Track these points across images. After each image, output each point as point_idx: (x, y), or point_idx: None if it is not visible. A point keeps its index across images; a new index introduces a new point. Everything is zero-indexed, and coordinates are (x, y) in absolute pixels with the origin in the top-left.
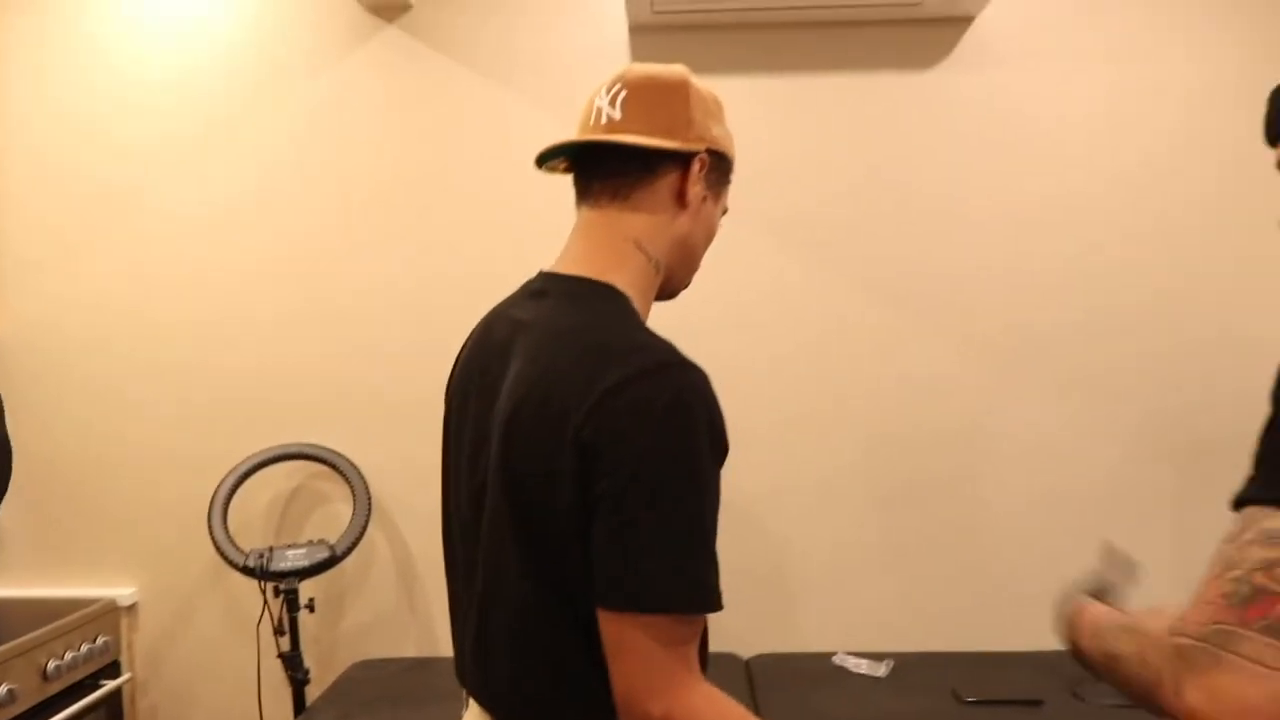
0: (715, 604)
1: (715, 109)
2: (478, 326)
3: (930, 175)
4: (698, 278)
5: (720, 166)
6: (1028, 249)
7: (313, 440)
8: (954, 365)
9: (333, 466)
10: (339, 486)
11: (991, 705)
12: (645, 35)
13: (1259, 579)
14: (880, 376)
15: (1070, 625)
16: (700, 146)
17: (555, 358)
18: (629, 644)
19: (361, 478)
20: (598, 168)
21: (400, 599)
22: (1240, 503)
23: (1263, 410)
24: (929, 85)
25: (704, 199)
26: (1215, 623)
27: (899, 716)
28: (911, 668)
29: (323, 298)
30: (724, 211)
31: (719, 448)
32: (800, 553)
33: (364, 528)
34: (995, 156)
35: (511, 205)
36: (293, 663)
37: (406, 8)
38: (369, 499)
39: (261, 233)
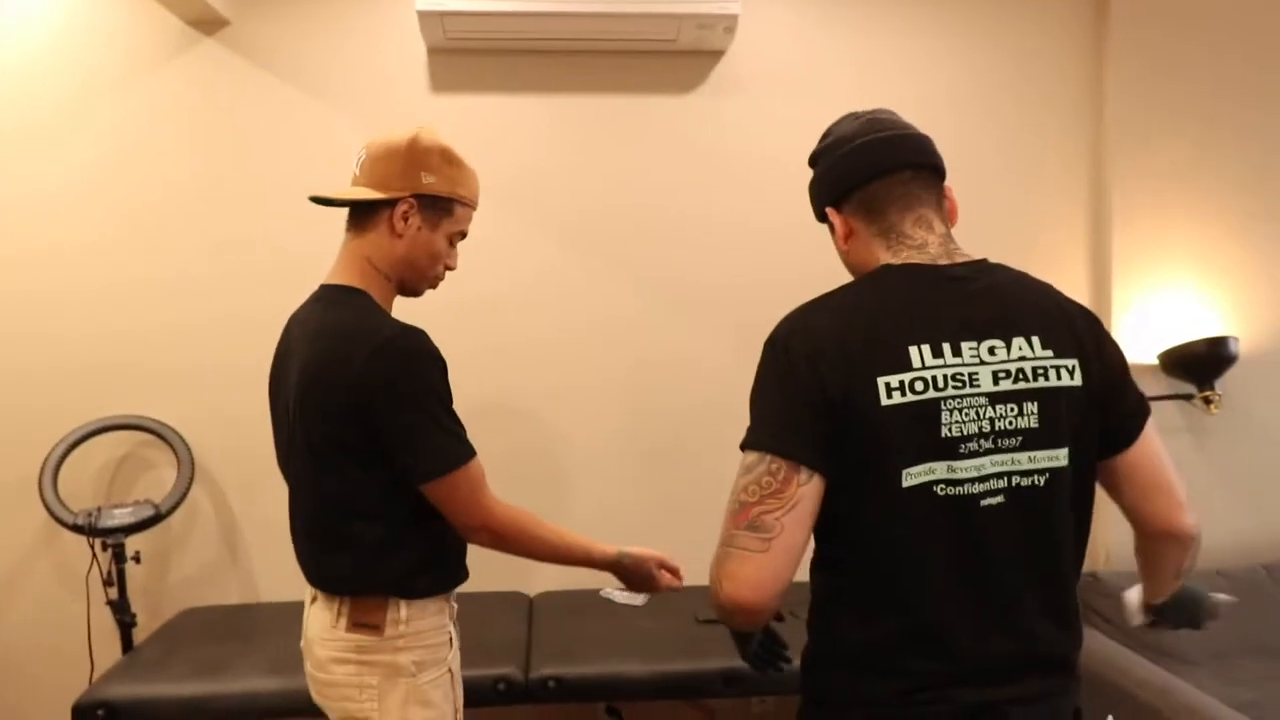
0: (470, 452)
1: (437, 161)
2: (285, 327)
3: (686, 187)
4: (486, 268)
5: (435, 205)
6: (765, 258)
7: (142, 410)
8: (704, 349)
9: (158, 435)
10: (166, 452)
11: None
12: (441, 57)
13: (743, 496)
14: (643, 357)
15: None
16: (404, 194)
17: (325, 340)
18: (445, 497)
19: (186, 445)
20: (350, 209)
21: (223, 552)
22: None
23: None
24: (685, 109)
25: (419, 228)
26: (726, 532)
27: (644, 634)
28: (665, 597)
29: (149, 278)
30: (459, 234)
31: (441, 368)
32: (574, 504)
33: (187, 489)
34: (741, 173)
35: (311, 207)
36: (120, 608)
37: (224, 23)
38: (192, 463)
39: (87, 218)
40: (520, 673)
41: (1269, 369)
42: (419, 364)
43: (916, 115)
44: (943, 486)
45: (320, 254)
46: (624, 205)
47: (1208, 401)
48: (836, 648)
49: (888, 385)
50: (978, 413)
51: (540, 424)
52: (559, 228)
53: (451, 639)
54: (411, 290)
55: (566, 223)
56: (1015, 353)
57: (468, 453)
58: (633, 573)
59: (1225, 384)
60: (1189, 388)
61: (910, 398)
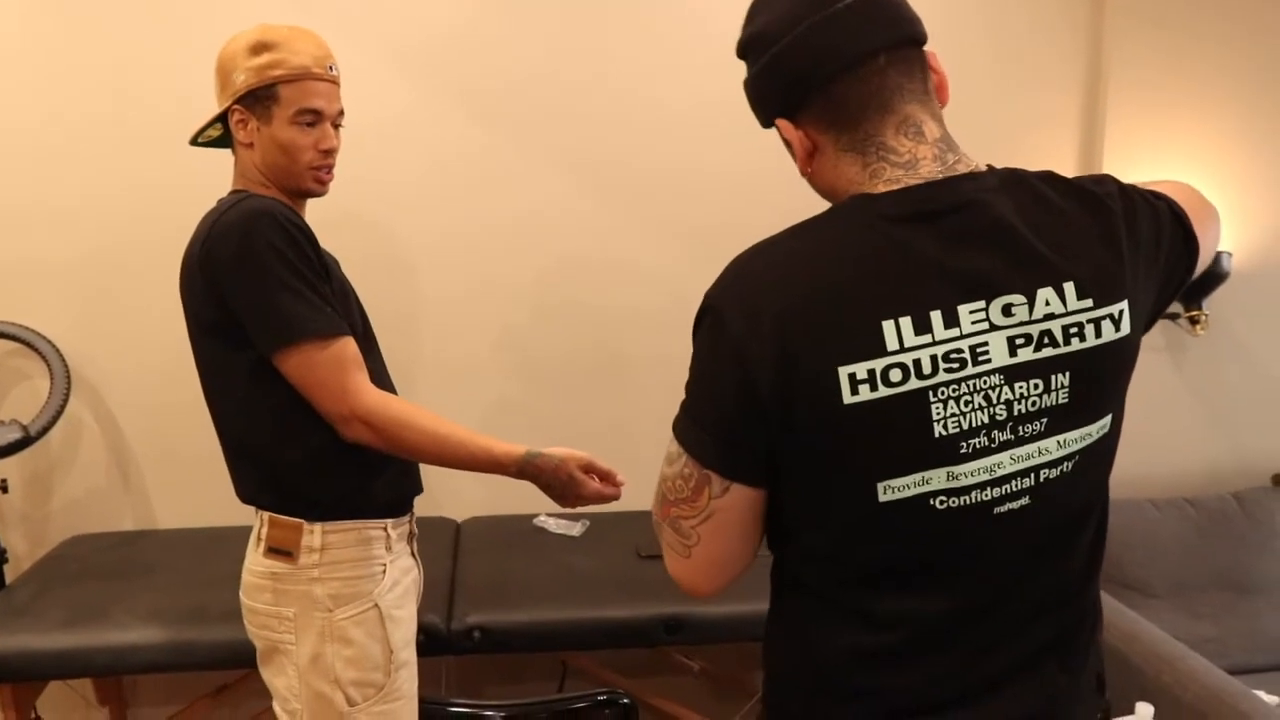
0: (333, 326)
1: (243, 57)
2: None
3: (634, 61)
4: (392, 150)
5: (257, 99)
6: (725, 149)
7: (6, 317)
8: (648, 250)
9: (26, 344)
10: (39, 365)
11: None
12: None
13: (664, 487)
14: (576, 255)
15: None
16: (227, 104)
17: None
18: (303, 377)
19: (59, 354)
20: None
21: (112, 474)
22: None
23: None
24: None
25: (258, 129)
26: (656, 518)
27: (580, 572)
28: (605, 527)
29: (5, 146)
30: (306, 112)
31: (292, 235)
32: (506, 420)
33: (61, 406)
34: (699, 46)
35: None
36: None
37: None
38: (67, 377)
39: None
40: (442, 621)
41: (1261, 288)
42: (260, 227)
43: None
44: (942, 499)
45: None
46: (560, 79)
47: (1194, 322)
48: (799, 667)
49: (852, 377)
50: (987, 397)
51: (457, 331)
52: (480, 103)
53: (384, 570)
54: (299, 189)
55: (488, 97)
56: (1040, 310)
57: (327, 325)
58: (550, 478)
59: (1213, 303)
60: (1175, 306)
61: (884, 391)
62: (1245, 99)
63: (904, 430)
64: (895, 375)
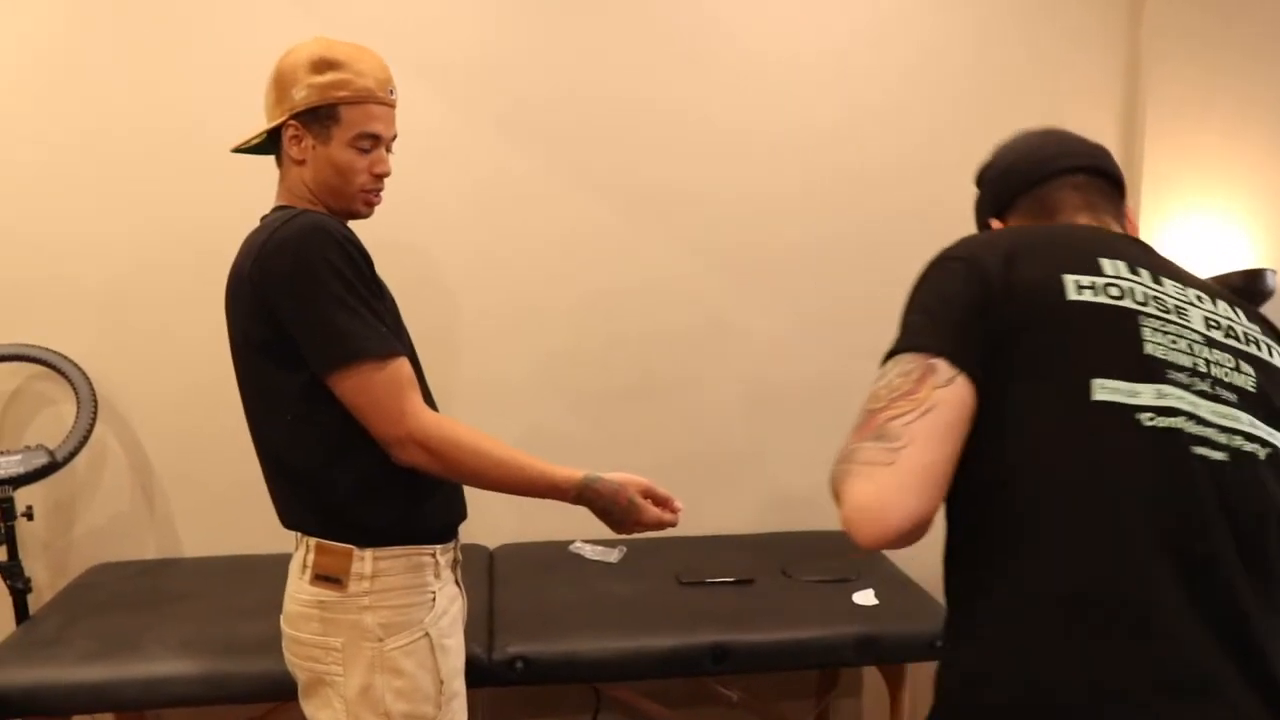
0: (387, 346)
1: (305, 72)
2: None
3: (666, 79)
4: (423, 170)
5: (317, 117)
6: (760, 166)
7: (33, 340)
8: (685, 273)
9: (53, 368)
10: (65, 389)
11: (708, 586)
12: None
13: (869, 405)
14: (616, 278)
15: None
16: (283, 117)
17: (243, 245)
18: (357, 398)
19: (86, 378)
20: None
21: (137, 500)
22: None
23: None
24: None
25: (313, 148)
26: (846, 448)
27: (619, 600)
28: (641, 553)
29: (38, 172)
30: (366, 136)
31: (346, 250)
32: (536, 445)
33: (88, 431)
34: (733, 64)
35: (240, 111)
36: (10, 572)
37: None
38: (94, 401)
39: None
40: (483, 651)
41: None
42: (317, 242)
43: (936, 14)
44: (1150, 415)
45: (251, 158)
46: (592, 98)
47: None
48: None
49: (1076, 282)
50: (1190, 347)
51: (495, 354)
52: (513, 123)
53: (434, 599)
54: (347, 212)
55: (527, 117)
56: (1223, 310)
57: (383, 345)
58: (608, 503)
59: None
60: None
61: (1104, 299)
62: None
63: (1119, 337)
64: (1114, 290)
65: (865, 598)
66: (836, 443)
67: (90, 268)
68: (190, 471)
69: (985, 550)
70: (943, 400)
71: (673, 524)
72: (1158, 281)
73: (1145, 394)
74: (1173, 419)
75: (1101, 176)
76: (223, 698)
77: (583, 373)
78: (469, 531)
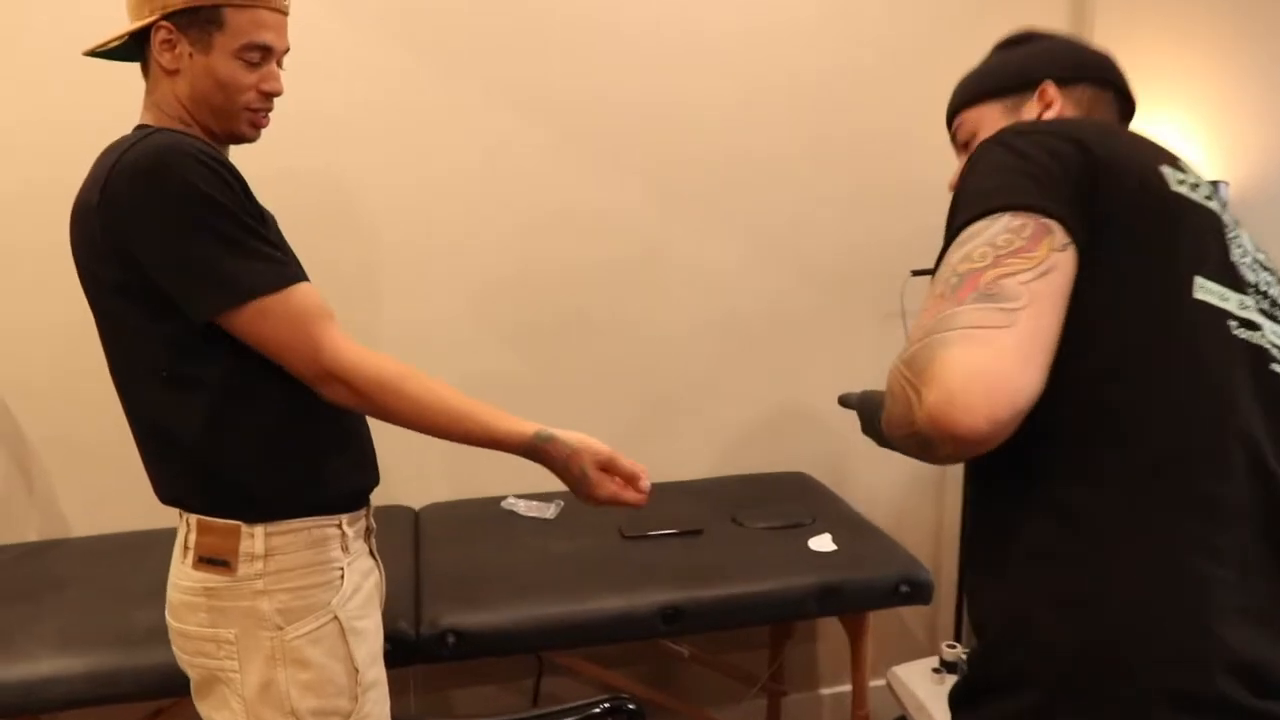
0: (288, 274)
1: None
2: None
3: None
4: (326, 89)
5: (196, 19)
6: (699, 84)
7: None
8: (621, 198)
9: None
10: None
11: (654, 539)
12: None
13: (963, 267)
14: (539, 204)
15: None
16: (152, 17)
17: (88, 176)
18: (265, 337)
19: None
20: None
21: (14, 480)
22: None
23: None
24: None
25: (190, 55)
26: (934, 318)
27: (560, 557)
28: (580, 507)
29: None
30: (254, 46)
31: (219, 175)
32: (468, 390)
33: None
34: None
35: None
36: None
37: None
38: None
39: None
40: (410, 626)
41: (1261, 219)
42: (177, 164)
43: None
44: (1237, 325)
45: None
46: (506, 5)
47: None
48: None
49: (1173, 176)
50: (1253, 264)
51: (424, 293)
52: (417, 29)
53: (342, 576)
54: (229, 133)
55: (426, 21)
56: (1251, 244)
57: (276, 275)
58: (560, 469)
59: None
60: None
61: (1196, 197)
62: (1240, 12)
63: (1212, 238)
64: (1203, 191)
65: (822, 543)
66: (790, 378)
67: None
68: (71, 442)
69: (1075, 454)
70: (1060, 264)
71: (636, 504)
72: (1210, 196)
73: (1232, 301)
74: (1254, 333)
75: (1129, 110)
76: (114, 696)
77: (516, 310)
78: (391, 492)
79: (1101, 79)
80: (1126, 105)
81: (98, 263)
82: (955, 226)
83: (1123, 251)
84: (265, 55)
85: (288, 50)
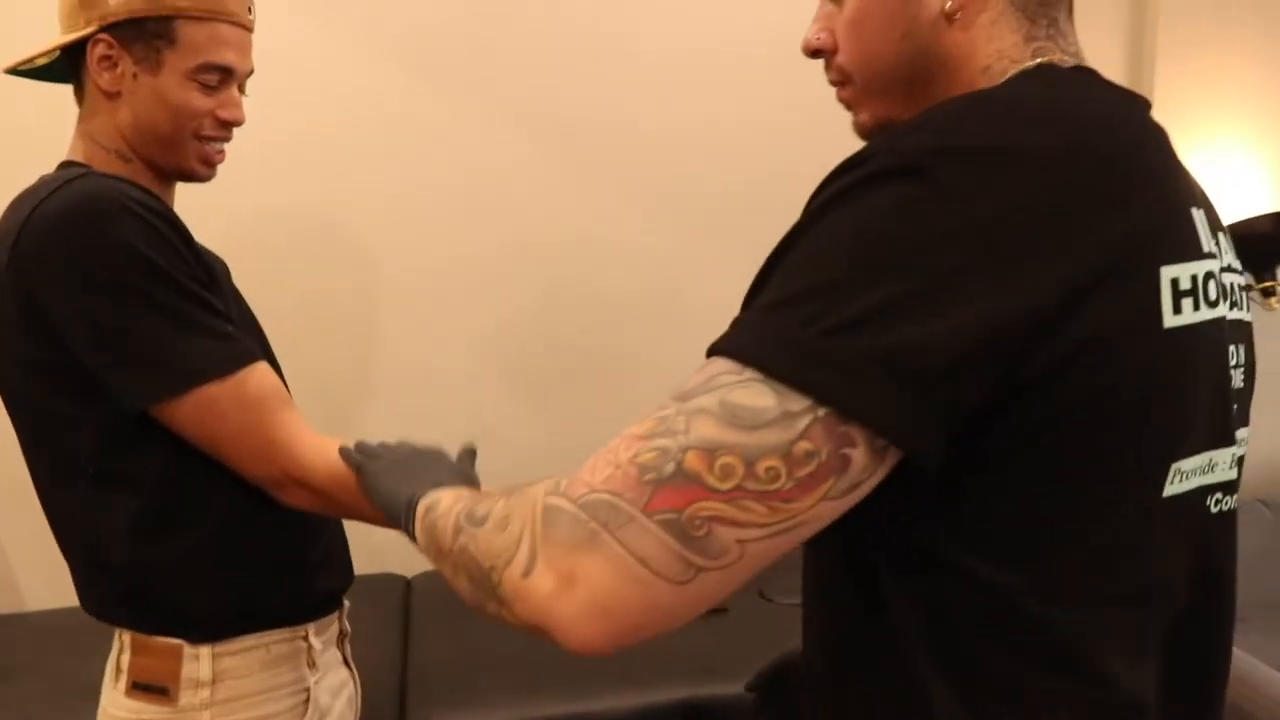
0: (237, 355)
1: None
2: None
3: (599, 6)
4: (323, 116)
5: (143, 33)
6: (714, 107)
7: None
8: (634, 229)
9: None
10: None
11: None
12: None
13: (692, 461)
14: (548, 237)
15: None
16: (89, 29)
17: None
18: (205, 434)
19: None
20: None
21: None
22: (713, 350)
23: None
24: None
25: (134, 77)
26: (611, 492)
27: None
28: None
29: None
30: (210, 66)
31: (157, 231)
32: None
33: None
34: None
35: None
36: None
37: None
38: None
39: None
40: None
41: None
42: (101, 218)
43: None
44: (1219, 498)
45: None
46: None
47: (1268, 294)
48: None
49: (1175, 284)
50: (1239, 363)
51: (414, 326)
52: (411, 48)
53: (307, 699)
54: (176, 168)
55: (420, 42)
56: (1226, 256)
57: (228, 355)
58: None
59: None
60: (1244, 276)
61: (1204, 313)
62: None
63: (1211, 377)
64: (1212, 291)
65: None
66: None
67: None
68: (27, 508)
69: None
70: (821, 516)
71: None
72: (1217, 240)
73: (1221, 463)
74: (1228, 496)
75: None
76: None
77: (522, 348)
78: (381, 559)
79: None
80: None
81: (9, 331)
82: (758, 307)
83: (1060, 447)
84: (225, 79)
85: (251, 73)
